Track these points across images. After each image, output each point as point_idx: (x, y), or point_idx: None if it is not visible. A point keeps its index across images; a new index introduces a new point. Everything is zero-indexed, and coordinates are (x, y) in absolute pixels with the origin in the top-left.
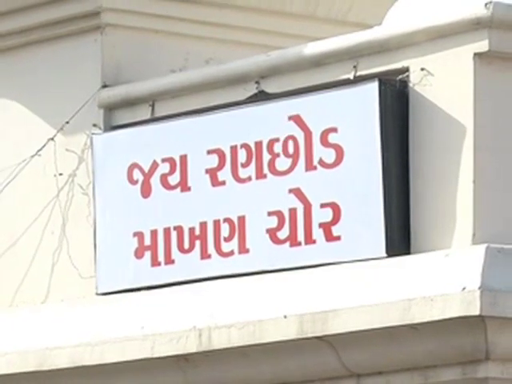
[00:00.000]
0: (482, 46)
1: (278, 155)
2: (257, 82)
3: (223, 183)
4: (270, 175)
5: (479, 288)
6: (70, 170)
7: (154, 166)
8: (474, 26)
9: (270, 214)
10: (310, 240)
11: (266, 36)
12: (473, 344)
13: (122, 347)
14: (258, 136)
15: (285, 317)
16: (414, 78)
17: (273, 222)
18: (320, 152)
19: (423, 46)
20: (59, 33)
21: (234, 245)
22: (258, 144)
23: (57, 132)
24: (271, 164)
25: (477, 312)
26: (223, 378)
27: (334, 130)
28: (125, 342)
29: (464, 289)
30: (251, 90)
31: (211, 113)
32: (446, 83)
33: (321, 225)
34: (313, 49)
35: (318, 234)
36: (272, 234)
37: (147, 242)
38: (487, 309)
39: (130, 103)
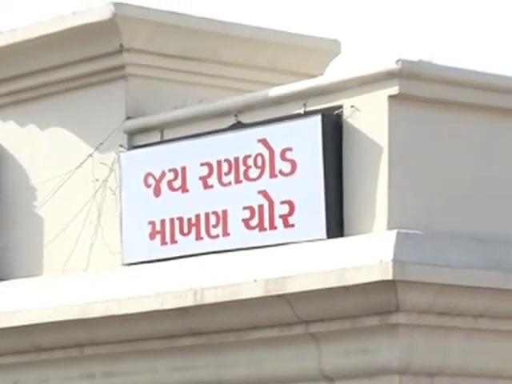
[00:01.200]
0: (394, 90)
1: (250, 167)
2: (235, 115)
3: (211, 186)
4: (244, 181)
5: (392, 260)
6: (103, 177)
7: (163, 174)
8: (389, 76)
9: (244, 208)
10: (272, 227)
11: (241, 82)
12: (387, 300)
13: (140, 302)
14: (236, 153)
15: (255, 281)
16: (346, 113)
17: (246, 214)
18: (280, 165)
19: (353, 90)
20: (97, 80)
21: (219, 230)
22: (236, 159)
23: (94, 150)
24: (245, 173)
25: (390, 277)
26: (212, 324)
27: (290, 149)
28: (142, 298)
29: (381, 261)
30: (231, 120)
31: (203, 137)
32: (369, 117)
33: (280, 216)
34: (275, 91)
35: (278, 222)
36: (246, 222)
37: (158, 228)
38: (397, 275)
39: (146, 130)
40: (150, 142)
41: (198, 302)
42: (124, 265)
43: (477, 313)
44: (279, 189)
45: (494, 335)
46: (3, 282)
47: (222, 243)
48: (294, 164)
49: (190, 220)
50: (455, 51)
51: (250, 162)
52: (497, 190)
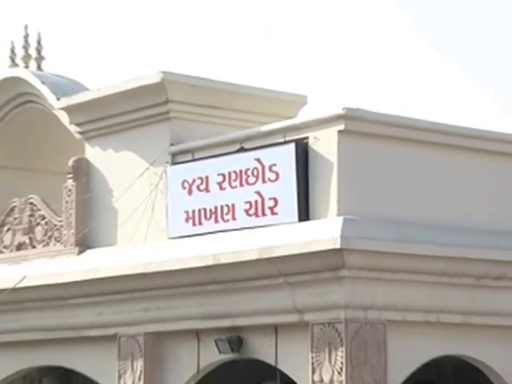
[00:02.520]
0: (341, 127)
1: (249, 176)
2: (240, 143)
3: (224, 189)
4: (246, 185)
5: (339, 236)
6: (155, 182)
7: (193, 181)
8: (338, 118)
9: (245, 202)
10: (264, 214)
11: (244, 122)
12: (336, 261)
13: (179, 262)
14: (240, 167)
15: (252, 249)
16: (311, 142)
17: (247, 206)
18: (268, 175)
19: (315, 127)
20: (152, 120)
21: (229, 216)
22: (240, 171)
23: (150, 165)
24: (246, 180)
25: (338, 246)
26: (225, 276)
27: (275, 164)
28: (181, 260)
29: (333, 237)
30: (237, 146)
31: (219, 157)
32: (325, 144)
33: (269, 207)
34: (266, 128)
35: (267, 211)
36: (247, 212)
37: (190, 215)
38: (343, 245)
39: (182, 152)
40: (185, 160)
41: (216, 262)
42: (169, 238)
43: (396, 269)
44: (268, 190)
45: (406, 283)
46: (92, 249)
47: (231, 225)
48: (277, 174)
49: (210, 210)
50: (385, 100)
51: (249, 172)
52: (405, 191)
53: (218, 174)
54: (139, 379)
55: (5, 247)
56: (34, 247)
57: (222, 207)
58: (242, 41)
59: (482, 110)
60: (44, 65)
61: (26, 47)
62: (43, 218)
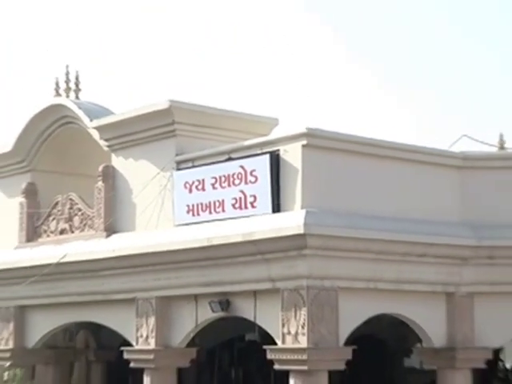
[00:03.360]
0: (304, 142)
1: (235, 179)
2: (228, 154)
3: (216, 188)
4: (232, 186)
5: (303, 224)
6: (165, 183)
7: (193, 182)
8: (302, 135)
9: (232, 198)
10: (246, 207)
11: (232, 139)
12: (301, 242)
13: (183, 243)
14: (228, 172)
15: (237, 234)
16: (282, 153)
17: (234, 201)
18: (250, 178)
19: (285, 142)
20: (162, 137)
21: (220, 209)
22: (229, 175)
23: (160, 170)
24: (233, 182)
25: (302, 232)
26: (217, 254)
27: (255, 170)
28: (184, 242)
29: (298, 225)
30: (226, 156)
31: (212, 164)
32: (292, 155)
33: (250, 202)
34: (247, 143)
35: (249, 205)
36: (233, 205)
37: (190, 208)
38: (306, 231)
39: (185, 161)
40: (187, 166)
41: (210, 244)
42: (174, 226)
43: (345, 249)
44: (249, 189)
45: (352, 260)
46: (117, 234)
47: (221, 215)
48: (256, 177)
49: (205, 204)
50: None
51: (235, 176)
52: (352, 190)
53: (212, 177)
54: (151, 331)
55: (51, 232)
56: (72, 232)
57: (214, 202)
58: (242, 41)
59: (404, 128)
60: (80, 95)
61: (67, 82)
62: (79, 210)
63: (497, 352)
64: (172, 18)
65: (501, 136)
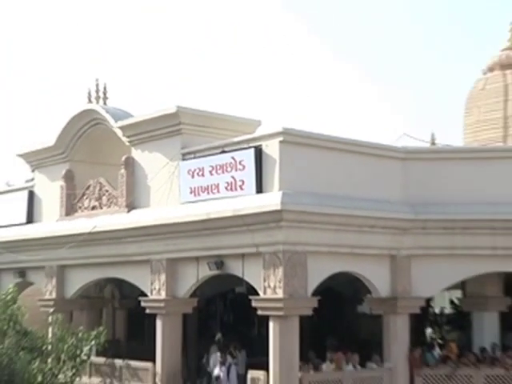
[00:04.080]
0: (281, 139)
1: (227, 167)
2: (222, 147)
3: (213, 174)
4: (226, 172)
5: (280, 202)
6: (173, 170)
7: (195, 170)
8: (279, 133)
9: (225, 182)
10: (236, 189)
11: (226, 137)
12: (278, 216)
13: (187, 217)
14: (222, 162)
15: (229, 210)
16: (264, 147)
17: (226, 184)
18: (239, 166)
19: (266, 138)
20: (172, 134)
21: (216, 191)
22: (222, 164)
23: (169, 160)
24: (226, 169)
25: (279, 208)
26: (213, 225)
27: (243, 160)
28: (187, 215)
29: (276, 202)
30: (220, 149)
31: (209, 156)
32: (272, 149)
33: (239, 185)
34: (237, 139)
35: (238, 188)
36: (226, 187)
37: (193, 189)
38: (282, 207)
39: (188, 153)
40: (190, 157)
41: (208, 217)
42: (180, 203)
43: (313, 221)
44: (238, 175)
45: (318, 230)
46: (136, 210)
47: (216, 196)
48: (244, 166)
49: (204, 187)
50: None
51: (228, 165)
52: (319, 176)
53: (209, 166)
54: (162, 285)
55: (84, 208)
56: (101, 208)
57: (211, 185)
58: (241, 41)
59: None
60: (108, 102)
61: (97, 92)
62: (107, 191)
63: (428, 301)
64: (172, 18)
65: (432, 135)
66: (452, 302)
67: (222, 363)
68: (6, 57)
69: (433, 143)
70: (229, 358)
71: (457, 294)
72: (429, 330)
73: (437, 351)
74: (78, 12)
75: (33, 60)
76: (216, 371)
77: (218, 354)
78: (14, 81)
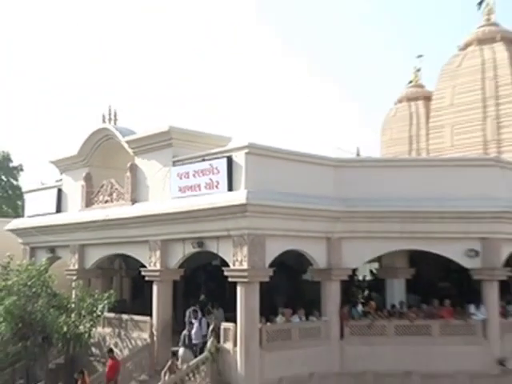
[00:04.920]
0: (246, 151)
1: (206, 172)
2: (203, 157)
3: (196, 177)
4: (205, 176)
5: (246, 198)
6: (166, 174)
7: (182, 173)
8: (245, 147)
9: (205, 183)
10: (213, 188)
11: (203, 150)
12: (244, 208)
13: (176, 208)
14: (203, 168)
15: (207, 203)
16: (233, 157)
17: (205, 184)
18: (215, 171)
19: (235, 151)
20: (164, 146)
21: (197, 189)
22: (205, 169)
23: (163, 166)
24: (205, 173)
25: (245, 202)
26: (198, 215)
27: (218, 167)
28: (176, 208)
29: (242, 197)
30: (201, 158)
31: (193, 164)
32: (239, 158)
33: (215, 185)
34: (213, 151)
35: (214, 187)
36: (205, 187)
37: (181, 188)
38: (247, 201)
39: (178, 161)
40: (179, 164)
41: (192, 209)
42: (171, 198)
43: (270, 212)
44: (215, 178)
45: (275, 218)
46: (138, 203)
47: (198, 193)
48: (219, 171)
49: (190, 186)
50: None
51: (206, 170)
52: (276, 178)
53: (193, 171)
54: (158, 259)
55: (99, 202)
56: (112, 202)
57: (194, 185)
58: (242, 41)
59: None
60: (118, 122)
61: (109, 115)
62: (116, 189)
63: (354, 270)
64: (172, 18)
65: (357, 148)
66: (371, 272)
67: (195, 317)
68: (5, 58)
69: (358, 155)
70: (199, 313)
71: (375, 266)
72: (354, 292)
73: (360, 308)
74: (79, 11)
75: (34, 60)
76: (193, 321)
77: (192, 310)
78: (14, 81)
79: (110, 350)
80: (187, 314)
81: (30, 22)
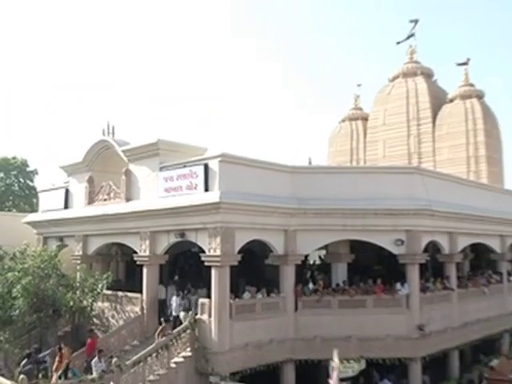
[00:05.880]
0: (220, 159)
1: (187, 176)
2: (184, 164)
3: (178, 180)
4: (185, 179)
5: (219, 197)
6: (154, 178)
7: (167, 178)
8: (219, 155)
9: (186, 185)
10: (192, 189)
11: (183, 159)
12: (217, 206)
13: (162, 205)
14: (184, 172)
15: (188, 201)
16: (209, 164)
17: (186, 186)
18: (194, 176)
19: (210, 160)
20: (153, 154)
21: (180, 189)
22: (184, 174)
23: (151, 171)
24: (186, 177)
25: (218, 201)
26: (183, 211)
27: (196, 172)
28: (163, 205)
29: (216, 198)
30: (183, 165)
31: (176, 169)
32: (214, 165)
33: (194, 186)
34: (192, 159)
35: (194, 189)
36: (186, 188)
37: (166, 189)
38: (220, 200)
39: (164, 167)
40: (164, 170)
41: (175, 206)
42: (158, 197)
43: (239, 209)
44: (194, 181)
45: (243, 214)
46: (131, 201)
47: (180, 193)
48: (197, 175)
49: (173, 187)
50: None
51: (187, 175)
52: (244, 181)
53: (176, 175)
54: (148, 246)
55: (99, 200)
56: (110, 200)
57: (177, 187)
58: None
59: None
60: (115, 136)
61: (108, 129)
62: (114, 189)
63: (306, 256)
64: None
65: (309, 158)
66: (320, 257)
67: (177, 294)
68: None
69: (310, 163)
70: (169, 289)
71: (323, 252)
72: (306, 274)
73: (311, 286)
74: (75, 21)
75: (38, 67)
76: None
77: (164, 288)
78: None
79: (91, 330)
80: (168, 291)
81: (30, 23)
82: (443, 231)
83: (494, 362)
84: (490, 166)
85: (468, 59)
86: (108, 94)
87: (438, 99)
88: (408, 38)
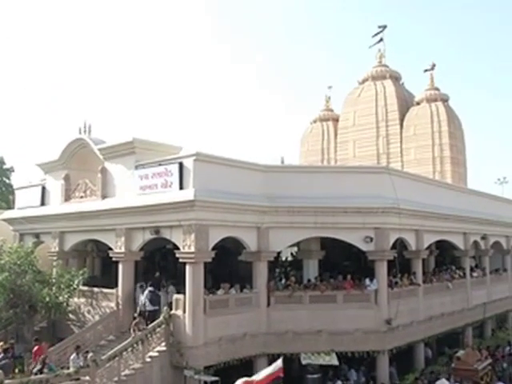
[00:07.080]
0: (194, 158)
1: (163, 174)
2: (159, 162)
3: (154, 178)
4: (161, 177)
5: (193, 195)
6: (129, 175)
7: (143, 176)
8: (194, 154)
9: (161, 183)
10: (167, 187)
11: (161, 156)
12: (192, 203)
13: (140, 203)
14: (160, 171)
15: (165, 198)
16: (184, 163)
17: (161, 184)
18: (169, 174)
19: (185, 158)
20: (130, 152)
21: (155, 187)
22: (160, 172)
23: (127, 170)
24: (161, 175)
25: (192, 198)
26: (155, 209)
27: (171, 170)
28: (141, 202)
29: (191, 195)
30: (158, 164)
31: (152, 168)
32: (188, 164)
33: (169, 185)
34: (168, 157)
35: (169, 187)
36: (162, 186)
37: (142, 187)
38: (195, 198)
39: (140, 165)
40: (140, 168)
41: (153, 203)
42: (136, 195)
43: (213, 206)
44: (169, 179)
45: (217, 212)
46: (107, 198)
47: (156, 191)
48: (172, 174)
49: (148, 185)
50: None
51: (163, 173)
52: (218, 179)
53: (152, 173)
54: (123, 243)
55: (76, 197)
56: (86, 197)
57: (152, 185)
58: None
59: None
60: (92, 134)
61: (85, 128)
62: (90, 187)
63: (278, 253)
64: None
65: (282, 157)
66: (292, 254)
67: (141, 287)
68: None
69: (282, 162)
70: (144, 285)
71: (294, 249)
72: (278, 270)
73: (283, 282)
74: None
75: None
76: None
77: (138, 284)
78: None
79: (36, 339)
80: (136, 289)
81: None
82: (410, 229)
83: (461, 353)
84: (454, 166)
85: (433, 64)
86: (87, 93)
87: (406, 102)
88: (378, 42)
